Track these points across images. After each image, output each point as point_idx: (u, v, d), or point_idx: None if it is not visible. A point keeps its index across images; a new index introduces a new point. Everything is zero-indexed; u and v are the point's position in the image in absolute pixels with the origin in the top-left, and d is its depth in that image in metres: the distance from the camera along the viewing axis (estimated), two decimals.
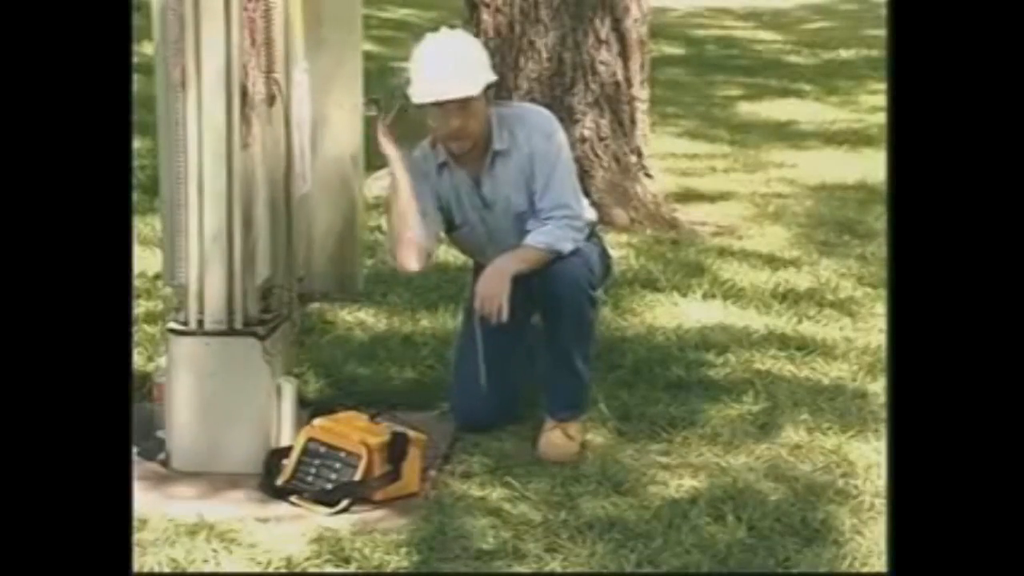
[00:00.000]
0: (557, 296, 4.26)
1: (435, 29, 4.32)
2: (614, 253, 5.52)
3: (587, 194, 4.90)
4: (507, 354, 4.49)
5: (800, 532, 3.84)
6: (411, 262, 4.34)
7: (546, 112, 4.54)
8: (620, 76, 6.92)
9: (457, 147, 4.30)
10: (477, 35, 7.20)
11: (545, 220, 4.28)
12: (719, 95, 11.12)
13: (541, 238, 4.27)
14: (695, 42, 13.71)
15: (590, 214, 4.50)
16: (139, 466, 4.09)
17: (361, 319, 5.36)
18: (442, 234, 4.50)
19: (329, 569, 3.63)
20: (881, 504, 3.95)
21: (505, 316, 4.18)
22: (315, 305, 4.69)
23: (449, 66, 4.21)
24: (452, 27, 4.44)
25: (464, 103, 4.21)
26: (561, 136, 4.45)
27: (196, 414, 4.11)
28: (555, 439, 4.32)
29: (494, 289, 4.19)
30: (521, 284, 4.25)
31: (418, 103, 4.21)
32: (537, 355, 4.53)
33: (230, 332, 4.09)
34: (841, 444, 4.39)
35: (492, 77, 4.31)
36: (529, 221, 4.31)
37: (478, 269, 4.59)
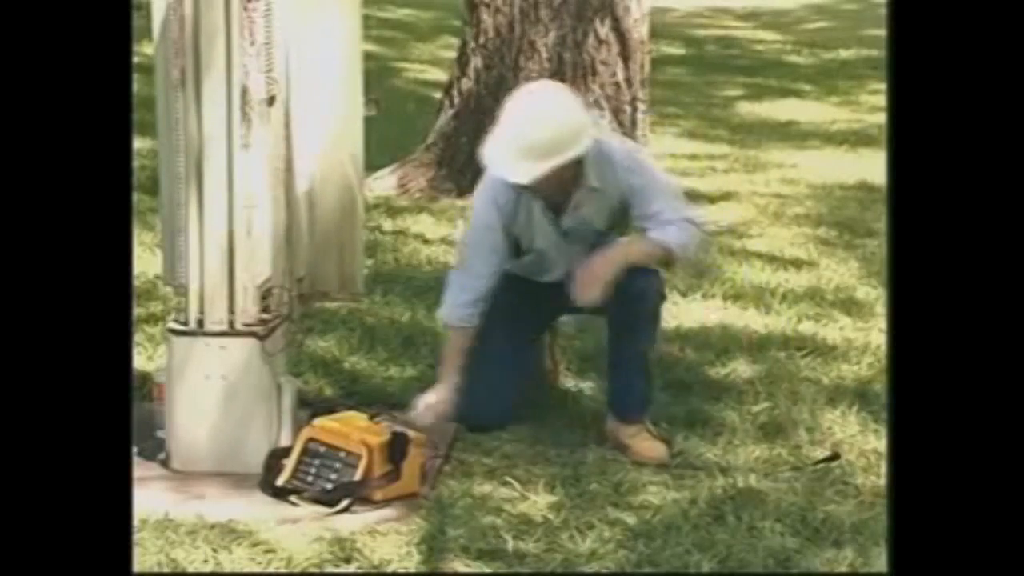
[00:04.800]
0: (641, 301, 4.30)
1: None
2: None
3: None
4: (529, 363, 4.55)
5: (800, 532, 3.84)
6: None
7: (630, 144, 4.48)
8: (620, 76, 6.93)
9: (552, 195, 4.29)
10: (477, 35, 7.21)
11: (666, 222, 4.27)
12: (719, 95, 11.12)
13: (664, 236, 4.27)
14: (695, 42, 13.70)
15: None
16: (139, 466, 4.08)
17: (361, 319, 5.36)
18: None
19: (329, 569, 3.63)
20: (881, 504, 3.95)
21: (597, 298, 4.19)
22: (315, 305, 4.68)
23: (545, 136, 4.13)
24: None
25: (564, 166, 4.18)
26: (649, 161, 4.44)
27: (196, 414, 4.11)
28: (647, 442, 4.31)
29: (596, 274, 4.20)
30: (551, 295, 4.30)
31: (519, 184, 4.17)
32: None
33: (230, 332, 4.09)
34: (841, 444, 4.39)
35: (593, 131, 4.26)
36: (648, 223, 4.29)
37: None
